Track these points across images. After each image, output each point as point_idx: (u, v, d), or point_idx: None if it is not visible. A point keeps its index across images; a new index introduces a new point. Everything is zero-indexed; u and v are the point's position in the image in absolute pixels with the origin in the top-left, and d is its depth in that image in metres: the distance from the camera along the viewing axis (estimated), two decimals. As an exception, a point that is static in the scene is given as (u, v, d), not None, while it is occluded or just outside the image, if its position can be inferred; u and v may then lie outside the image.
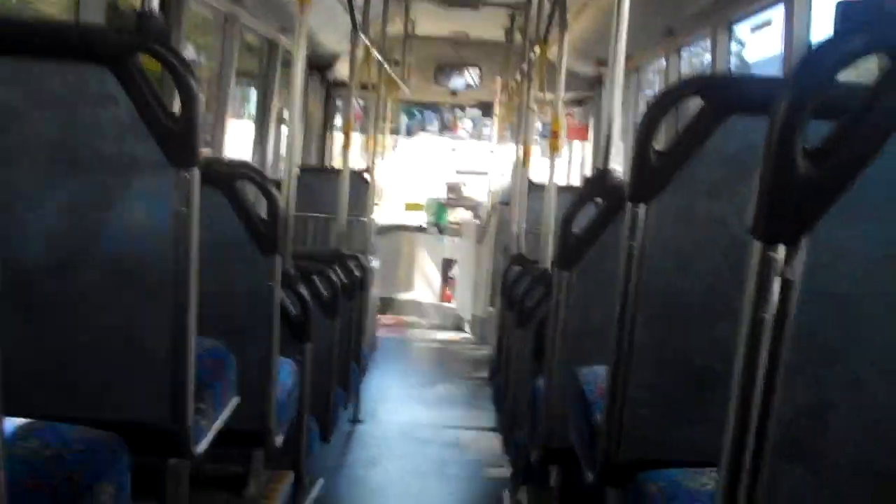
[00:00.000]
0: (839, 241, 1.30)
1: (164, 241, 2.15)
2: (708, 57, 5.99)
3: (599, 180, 3.11)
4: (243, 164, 3.45)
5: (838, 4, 1.21)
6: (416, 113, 14.73)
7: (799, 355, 1.31)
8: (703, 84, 2.21)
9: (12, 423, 1.94)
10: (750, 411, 1.23)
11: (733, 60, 5.89)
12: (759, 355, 1.21)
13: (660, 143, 2.13)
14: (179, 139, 2.10)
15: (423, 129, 14.91)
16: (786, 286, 1.20)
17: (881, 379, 1.39)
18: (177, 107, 2.13)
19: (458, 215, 13.07)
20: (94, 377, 2.25)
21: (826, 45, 1.19)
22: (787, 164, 1.17)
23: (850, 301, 1.35)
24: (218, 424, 2.60)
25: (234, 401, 2.80)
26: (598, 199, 3.11)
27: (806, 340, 1.32)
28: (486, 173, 13.04)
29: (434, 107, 14.49)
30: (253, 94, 8.51)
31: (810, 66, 1.18)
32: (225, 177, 2.98)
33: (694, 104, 2.15)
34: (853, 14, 1.20)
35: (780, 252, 1.19)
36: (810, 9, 4.49)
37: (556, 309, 3.02)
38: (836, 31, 1.20)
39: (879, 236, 1.31)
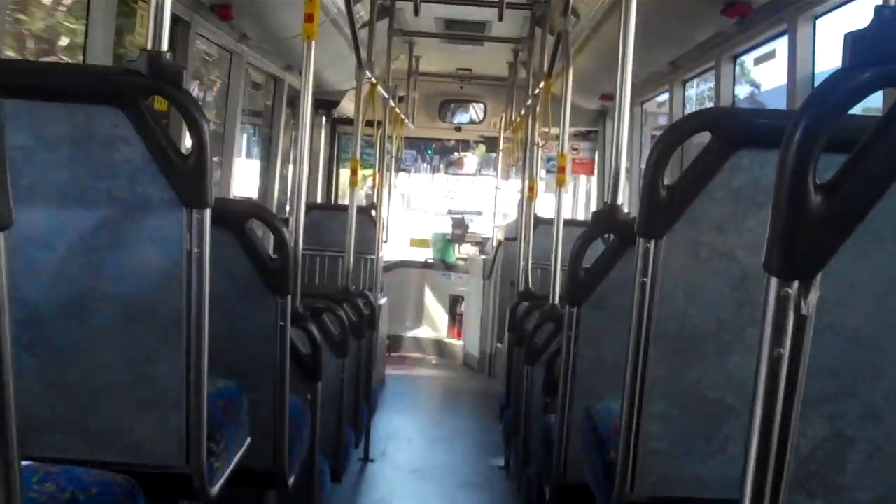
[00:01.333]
0: (852, 274, 1.30)
1: (176, 282, 2.16)
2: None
3: (609, 215, 3.11)
4: (254, 204, 3.46)
5: (846, 35, 1.22)
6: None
7: (814, 390, 1.31)
8: (711, 118, 2.22)
9: (27, 466, 1.94)
10: (769, 446, 1.22)
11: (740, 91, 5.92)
12: (777, 391, 1.21)
13: (666, 176, 2.14)
14: (191, 179, 2.11)
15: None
16: (801, 321, 1.20)
17: (897, 411, 1.39)
18: (186, 146, 2.15)
19: (464, 250, 13.07)
20: (107, 419, 2.25)
21: (836, 79, 1.20)
22: (800, 199, 1.17)
23: (864, 335, 1.35)
24: (231, 465, 2.59)
25: (247, 441, 2.80)
26: (607, 235, 3.12)
27: (821, 375, 1.32)
28: (480, 213, 13.06)
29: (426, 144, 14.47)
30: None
31: (821, 100, 1.18)
32: (236, 216, 2.98)
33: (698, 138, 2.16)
34: (862, 46, 1.20)
35: (795, 287, 1.19)
36: (814, 41, 4.52)
37: (567, 345, 3.02)
38: (845, 64, 1.21)
39: (890, 269, 1.31)
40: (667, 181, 2.12)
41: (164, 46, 2.11)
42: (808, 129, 1.16)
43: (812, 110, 1.17)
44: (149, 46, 2.09)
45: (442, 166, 14.76)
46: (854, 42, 1.21)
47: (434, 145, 14.41)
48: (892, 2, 1.23)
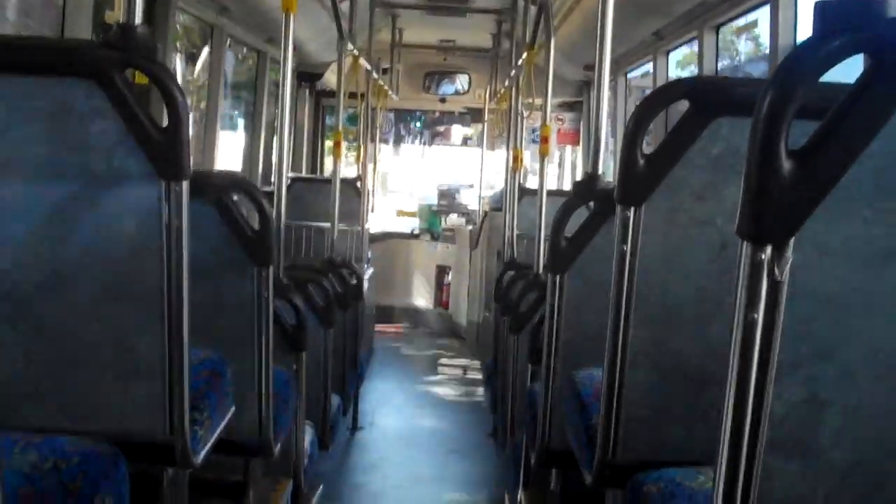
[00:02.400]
0: (825, 240, 1.31)
1: (155, 254, 2.16)
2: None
3: (589, 184, 3.12)
4: (233, 176, 3.46)
5: (817, 4, 1.23)
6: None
7: (790, 354, 1.32)
8: (690, 87, 2.22)
9: (9, 436, 1.95)
10: (744, 410, 1.24)
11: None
12: (752, 355, 1.22)
13: (648, 146, 2.15)
14: (168, 152, 2.10)
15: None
16: (774, 286, 1.21)
17: (872, 375, 1.40)
18: (165, 120, 2.14)
19: (451, 221, 13.07)
20: (89, 390, 2.25)
21: (807, 46, 1.20)
22: (771, 165, 1.18)
23: (839, 299, 1.36)
24: (215, 434, 2.61)
25: (231, 410, 2.81)
26: (589, 203, 3.13)
27: (797, 339, 1.33)
28: (471, 186, 13.07)
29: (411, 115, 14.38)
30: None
31: (792, 67, 1.19)
32: (215, 189, 2.98)
33: (680, 106, 2.16)
34: (833, 14, 1.21)
35: (768, 252, 1.20)
36: (796, 9, 4.52)
37: (550, 313, 3.04)
38: (816, 32, 1.22)
39: (865, 234, 1.32)
40: (648, 150, 2.13)
41: (139, 19, 2.09)
42: (777, 96, 1.16)
43: (783, 77, 1.18)
44: (123, 19, 2.08)
45: (427, 137, 14.68)
46: (825, 10, 1.21)
47: (422, 117, 14.32)
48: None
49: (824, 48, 1.18)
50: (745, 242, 1.22)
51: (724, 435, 1.27)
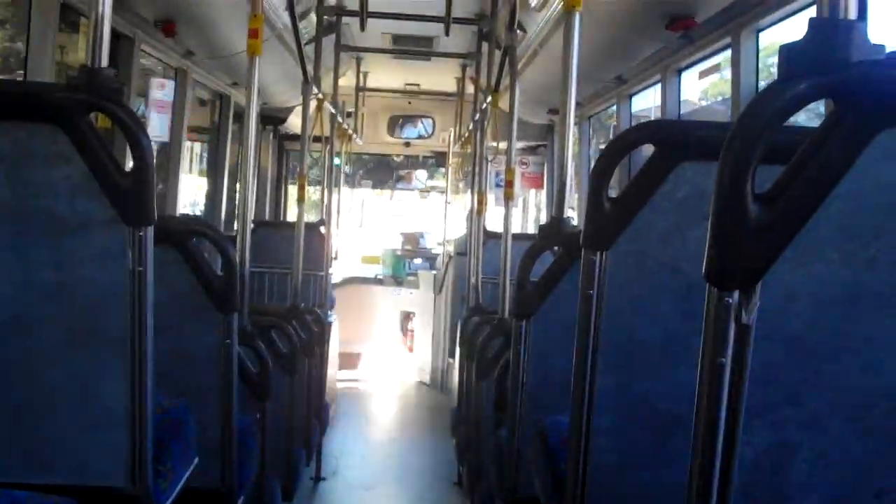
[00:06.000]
0: (792, 283, 1.31)
1: (119, 300, 2.13)
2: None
3: (554, 229, 3.12)
4: (197, 221, 3.43)
5: (782, 48, 1.23)
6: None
7: (758, 398, 1.31)
8: (654, 130, 2.23)
9: None
10: (713, 456, 1.23)
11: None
12: (720, 400, 1.22)
13: (612, 189, 2.15)
14: (133, 197, 2.08)
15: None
16: (742, 330, 1.20)
17: (841, 418, 1.40)
18: (129, 163, 2.12)
19: (414, 266, 13.05)
20: (50, 440, 2.21)
21: (772, 91, 1.21)
22: (737, 210, 1.18)
23: (806, 342, 1.36)
24: (179, 485, 2.56)
25: (195, 461, 2.76)
26: (555, 248, 3.13)
27: (764, 383, 1.32)
28: (428, 233, 13.11)
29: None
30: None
31: (757, 112, 1.19)
32: (179, 234, 2.95)
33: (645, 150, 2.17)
34: (797, 58, 1.22)
35: (735, 297, 1.20)
36: (757, 53, 4.58)
37: (515, 359, 3.02)
38: (780, 75, 1.22)
39: (830, 277, 1.32)
40: (613, 194, 2.13)
41: (105, 62, 2.07)
42: (743, 140, 1.17)
43: (748, 121, 1.18)
44: (88, 62, 2.05)
45: (390, 181, 14.69)
46: (790, 54, 1.22)
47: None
48: (825, 13, 1.25)
49: (789, 92, 1.19)
50: (712, 287, 1.22)
51: (693, 481, 1.25)
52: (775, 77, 1.24)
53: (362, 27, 7.04)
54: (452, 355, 9.25)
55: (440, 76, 10.76)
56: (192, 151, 8.18)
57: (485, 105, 6.84)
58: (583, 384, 2.19)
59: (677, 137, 2.10)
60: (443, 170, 13.30)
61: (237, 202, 8.70)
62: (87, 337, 2.16)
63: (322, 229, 8.19)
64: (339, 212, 10.20)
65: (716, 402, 1.23)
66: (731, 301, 1.20)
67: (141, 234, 2.10)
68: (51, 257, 2.12)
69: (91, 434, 2.21)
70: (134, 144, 2.04)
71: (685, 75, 5.86)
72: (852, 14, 1.25)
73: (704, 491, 1.25)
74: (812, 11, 1.31)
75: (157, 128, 6.26)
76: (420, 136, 12.49)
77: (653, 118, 6.58)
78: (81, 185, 2.07)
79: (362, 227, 14.41)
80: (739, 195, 1.18)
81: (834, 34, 1.22)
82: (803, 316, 1.34)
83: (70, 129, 2.04)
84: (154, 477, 2.29)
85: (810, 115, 3.53)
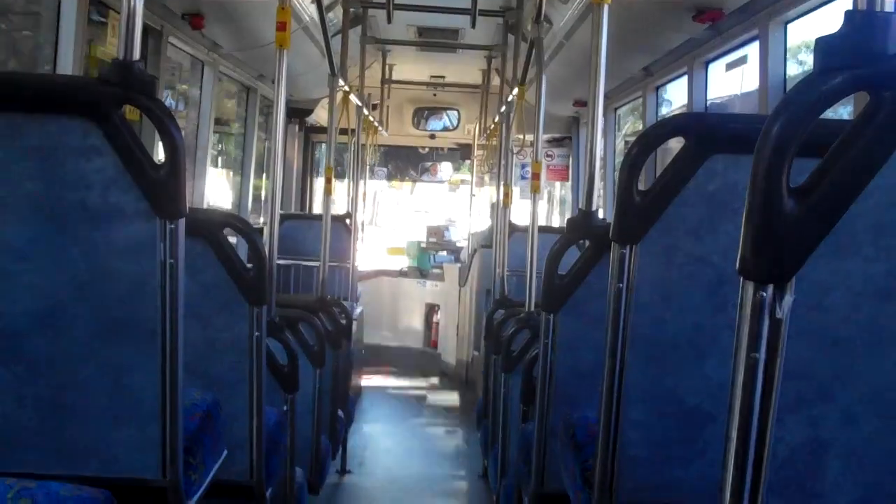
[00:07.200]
0: (826, 278, 1.30)
1: (150, 293, 2.14)
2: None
3: (583, 222, 3.11)
4: (227, 214, 3.44)
5: (817, 40, 1.22)
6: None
7: (792, 394, 1.31)
8: (684, 123, 2.22)
9: (2, 481, 1.91)
10: (746, 452, 1.22)
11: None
12: (754, 396, 1.21)
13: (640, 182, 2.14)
14: (165, 190, 2.08)
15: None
16: (776, 325, 1.19)
17: (874, 415, 1.39)
18: (158, 155, 2.12)
19: (439, 259, 13.04)
20: (83, 433, 2.22)
21: (808, 83, 1.20)
22: (773, 204, 1.17)
23: (840, 338, 1.35)
24: (208, 478, 2.57)
25: (224, 454, 2.77)
26: (582, 241, 3.12)
27: (798, 379, 1.32)
28: (453, 224, 13.12)
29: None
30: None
31: (793, 104, 1.18)
32: (210, 226, 2.96)
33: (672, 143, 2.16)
34: (833, 51, 1.21)
35: (770, 291, 1.19)
36: (785, 45, 4.55)
37: (544, 352, 3.01)
38: (816, 68, 1.21)
39: (864, 272, 1.31)
40: (642, 186, 2.12)
41: (136, 55, 2.08)
42: (781, 134, 1.16)
43: (785, 115, 1.17)
44: (120, 56, 2.06)
45: (415, 174, 14.68)
46: (825, 46, 1.21)
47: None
48: (861, 6, 1.23)
49: (825, 85, 1.18)
50: (746, 281, 1.21)
51: (726, 477, 1.25)
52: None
53: (389, 19, 7.04)
54: (478, 348, 9.26)
55: (465, 68, 10.74)
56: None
57: (511, 97, 6.82)
58: (612, 378, 2.19)
59: (707, 130, 2.08)
60: (467, 162, 13.30)
61: (264, 194, 8.72)
62: (118, 329, 2.17)
63: (348, 221, 8.20)
64: (364, 204, 10.20)
65: (749, 398, 1.22)
66: (765, 295, 1.19)
67: (172, 226, 2.11)
68: (83, 249, 2.13)
69: (123, 427, 2.22)
70: (166, 137, 2.05)
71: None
72: (889, 6, 1.24)
73: (737, 486, 1.24)
74: (839, 3, 1.30)
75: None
76: (445, 129, 12.49)
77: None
78: (114, 177, 2.08)
79: (373, 223, 14.43)
80: (775, 189, 1.17)
81: (870, 27, 1.21)
82: (838, 311, 1.33)
83: (103, 122, 2.05)
84: (185, 469, 2.30)
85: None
